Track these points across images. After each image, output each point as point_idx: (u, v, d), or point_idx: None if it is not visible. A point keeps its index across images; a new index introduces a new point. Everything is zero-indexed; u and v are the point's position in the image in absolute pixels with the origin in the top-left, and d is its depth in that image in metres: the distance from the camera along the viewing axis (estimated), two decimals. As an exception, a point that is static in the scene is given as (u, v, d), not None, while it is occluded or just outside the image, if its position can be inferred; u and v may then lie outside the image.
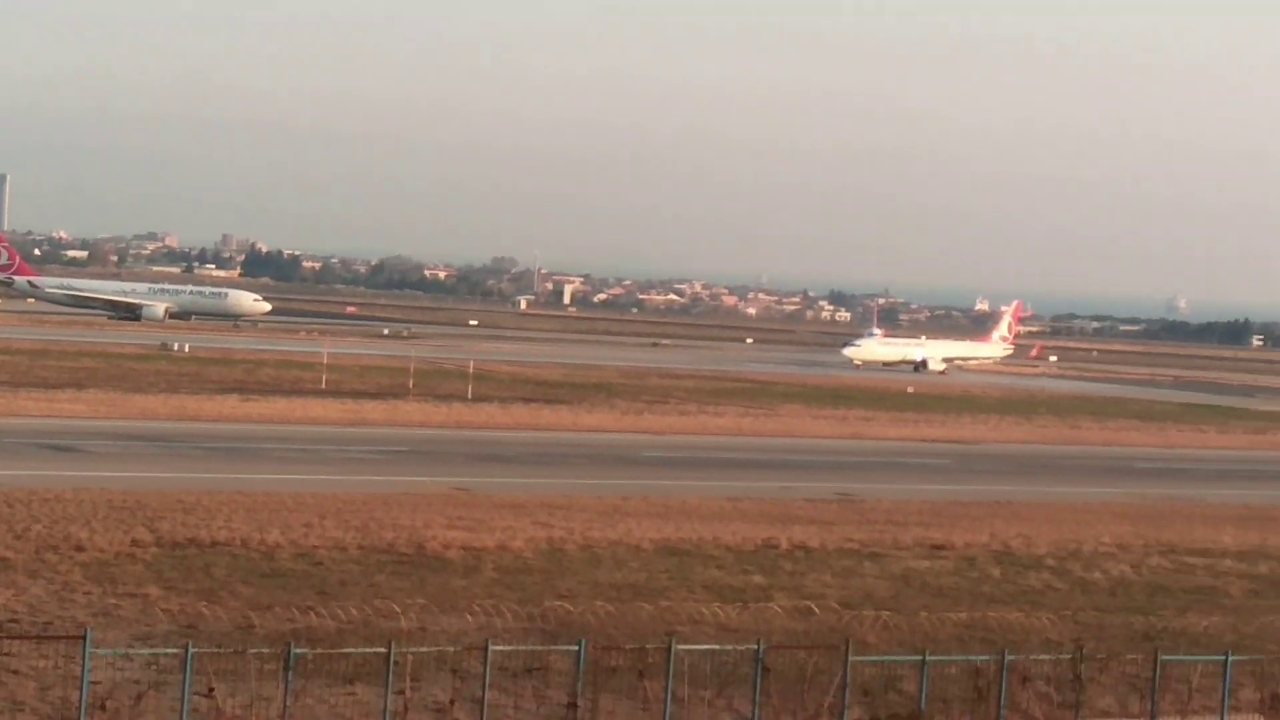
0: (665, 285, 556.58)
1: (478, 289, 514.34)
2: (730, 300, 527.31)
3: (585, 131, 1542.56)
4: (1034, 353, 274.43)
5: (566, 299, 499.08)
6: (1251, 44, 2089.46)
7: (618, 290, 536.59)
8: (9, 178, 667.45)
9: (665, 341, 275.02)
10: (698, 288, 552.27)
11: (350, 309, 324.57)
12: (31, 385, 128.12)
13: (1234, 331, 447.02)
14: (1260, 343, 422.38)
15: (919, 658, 41.54)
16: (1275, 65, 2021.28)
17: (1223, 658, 44.21)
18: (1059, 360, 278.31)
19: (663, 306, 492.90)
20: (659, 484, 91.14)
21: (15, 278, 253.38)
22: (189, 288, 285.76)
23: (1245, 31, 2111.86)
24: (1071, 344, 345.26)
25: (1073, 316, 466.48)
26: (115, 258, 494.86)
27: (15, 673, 39.95)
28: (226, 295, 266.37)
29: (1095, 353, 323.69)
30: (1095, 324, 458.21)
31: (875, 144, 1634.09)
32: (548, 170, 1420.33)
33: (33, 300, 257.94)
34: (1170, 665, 43.43)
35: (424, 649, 42.28)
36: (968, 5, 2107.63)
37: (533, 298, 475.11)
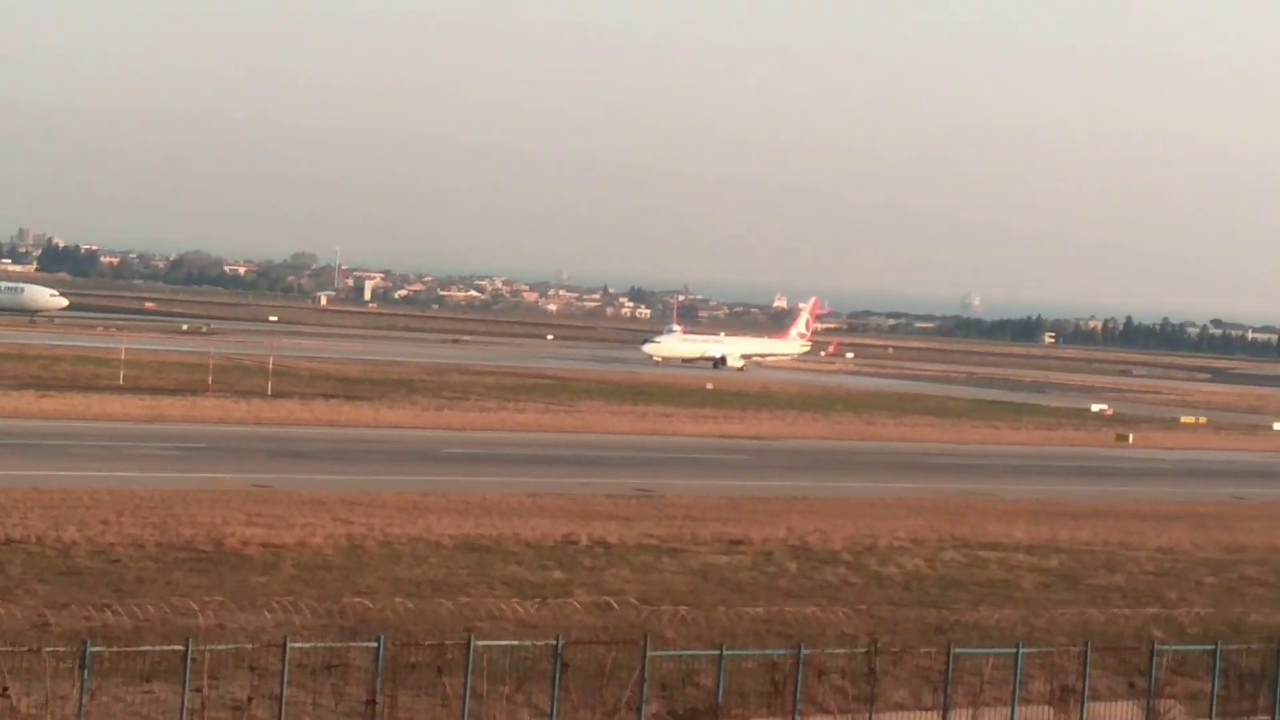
0: (466, 281, 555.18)
1: (278, 285, 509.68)
2: (531, 297, 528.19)
3: (381, 131, 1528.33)
4: (831, 350, 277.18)
5: (367, 295, 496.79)
6: (1032, 62, 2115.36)
7: (418, 286, 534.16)
8: None
9: (466, 338, 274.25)
10: (499, 284, 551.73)
11: (148, 305, 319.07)
12: None
13: (1027, 329, 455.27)
14: (1052, 340, 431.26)
15: (716, 652, 41.60)
16: (1055, 89, 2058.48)
17: (1014, 650, 44.68)
18: (855, 357, 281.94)
19: (464, 303, 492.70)
20: (459, 480, 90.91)
21: None
22: None
23: (1020, 40, 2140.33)
24: (868, 341, 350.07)
25: (869, 314, 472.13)
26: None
27: None
28: (22, 290, 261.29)
29: (891, 350, 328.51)
30: (891, 321, 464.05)
31: (669, 145, 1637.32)
32: (348, 166, 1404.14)
33: None
34: (962, 658, 43.83)
35: (222, 646, 41.43)
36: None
37: (333, 294, 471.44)
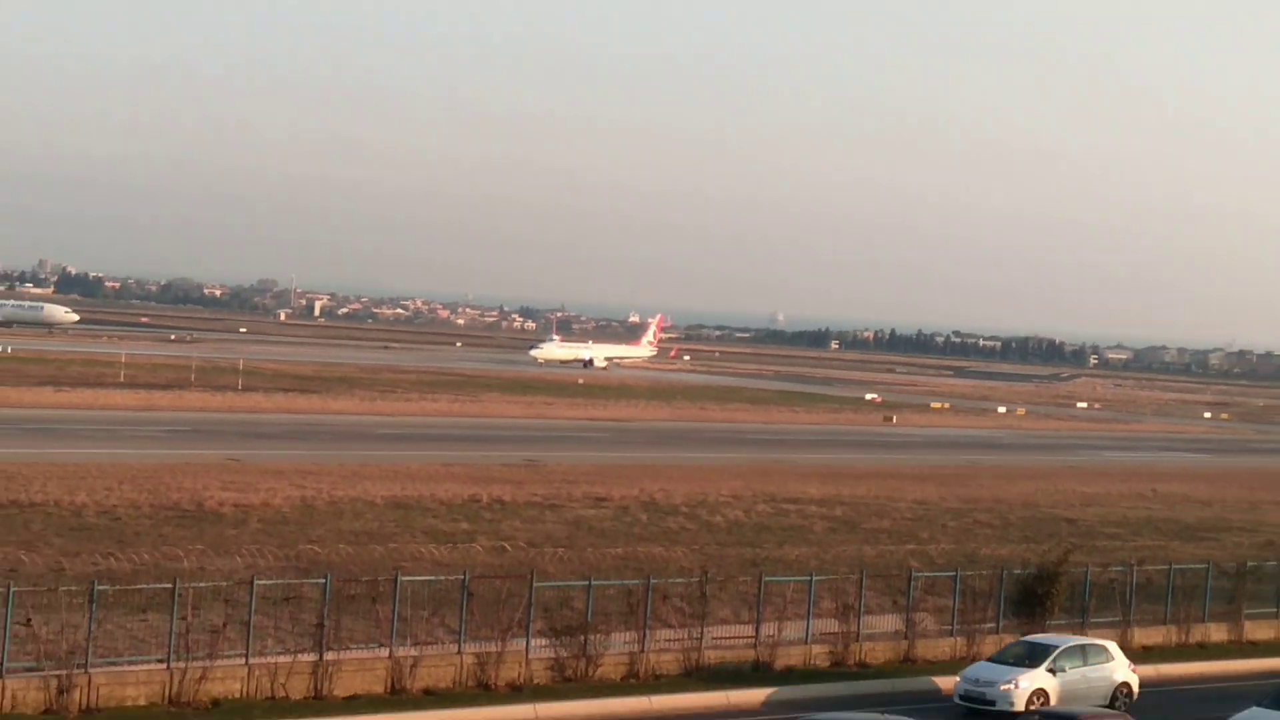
0: (394, 301, 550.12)
1: (246, 304, 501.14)
2: (444, 313, 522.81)
3: (324, 179, 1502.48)
4: (672, 354, 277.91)
5: (316, 312, 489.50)
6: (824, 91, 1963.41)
7: (357, 305, 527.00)
8: None
9: (394, 345, 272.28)
10: (419, 304, 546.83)
11: (144, 319, 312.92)
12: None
13: (818, 338, 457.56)
14: (836, 346, 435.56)
15: (586, 583, 42.04)
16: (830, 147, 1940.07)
17: (808, 578, 45.55)
18: (690, 359, 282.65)
19: (392, 318, 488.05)
20: (389, 454, 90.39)
21: None
22: (11, 303, 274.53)
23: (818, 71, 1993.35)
24: (699, 347, 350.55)
25: (701, 326, 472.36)
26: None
27: None
28: (42, 309, 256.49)
29: (717, 354, 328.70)
30: (717, 332, 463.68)
31: (548, 187, 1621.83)
32: (301, 206, 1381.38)
33: None
34: (770, 584, 44.47)
35: (203, 584, 41.42)
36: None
37: (290, 311, 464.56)
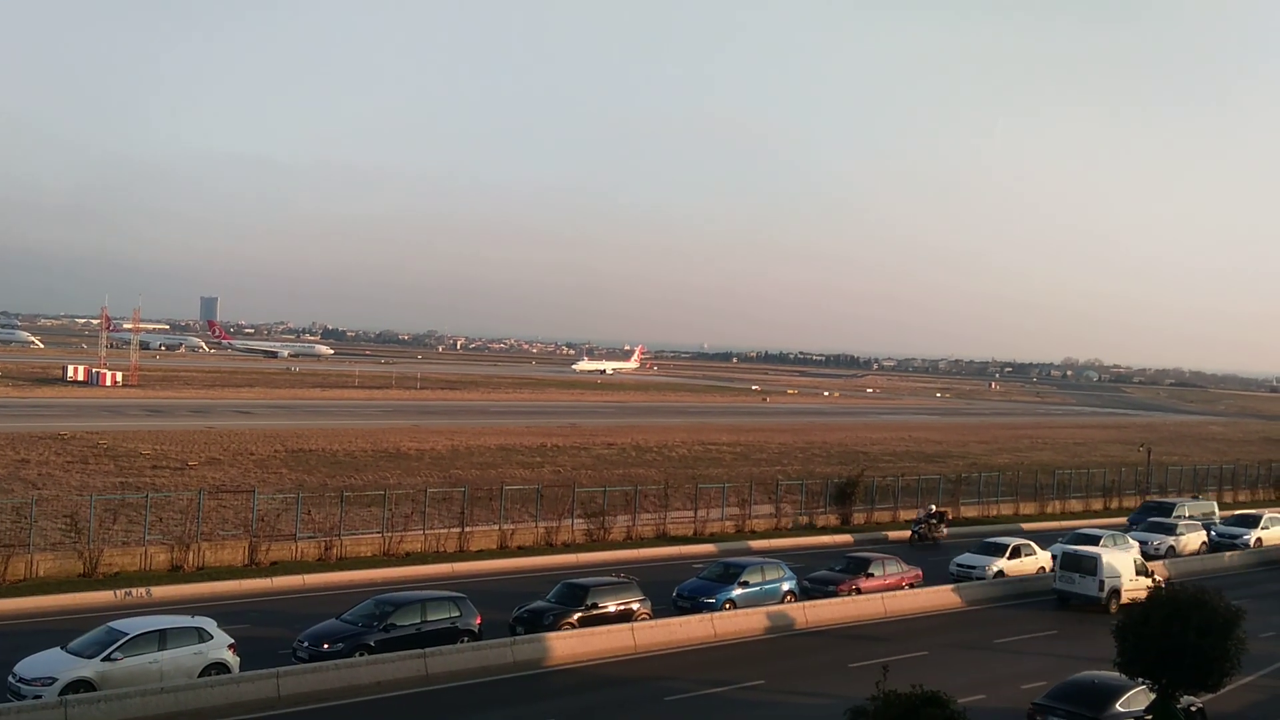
0: (498, 340, 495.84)
1: (421, 343, 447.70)
2: (525, 346, 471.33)
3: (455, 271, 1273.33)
4: (648, 366, 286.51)
5: (458, 347, 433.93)
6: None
7: (479, 342, 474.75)
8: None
9: (499, 363, 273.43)
10: (512, 341, 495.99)
11: (367, 352, 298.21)
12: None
13: (726, 356, 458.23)
14: (735, 360, 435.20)
15: (603, 489, 44.87)
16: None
17: (722, 485, 50.33)
18: (657, 369, 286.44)
19: (498, 349, 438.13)
20: (497, 422, 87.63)
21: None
22: (298, 344, 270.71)
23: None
24: (662, 362, 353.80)
25: (662, 351, 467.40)
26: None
27: (224, 506, 42.62)
28: (314, 347, 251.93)
29: (671, 365, 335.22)
30: (670, 353, 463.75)
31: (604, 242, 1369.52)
32: (451, 289, 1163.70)
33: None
34: (702, 489, 48.77)
35: (399, 491, 44.89)
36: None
37: (444, 346, 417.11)
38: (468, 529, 40.30)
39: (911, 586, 36.53)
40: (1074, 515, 58.00)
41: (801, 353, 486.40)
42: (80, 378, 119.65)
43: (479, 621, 27.31)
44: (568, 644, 26.89)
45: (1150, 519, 50.58)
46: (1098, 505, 61.92)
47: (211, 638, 23.49)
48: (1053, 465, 74.46)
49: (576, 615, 29.12)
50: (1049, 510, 58.86)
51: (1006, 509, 57.85)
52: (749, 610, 31.24)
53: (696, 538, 44.78)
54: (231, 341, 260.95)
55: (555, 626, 28.39)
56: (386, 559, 37.48)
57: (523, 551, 40.24)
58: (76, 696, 20.59)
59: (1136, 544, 43.68)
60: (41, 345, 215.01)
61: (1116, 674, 21.44)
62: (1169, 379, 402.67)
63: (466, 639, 26.70)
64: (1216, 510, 54.02)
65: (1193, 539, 48.24)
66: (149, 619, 23.90)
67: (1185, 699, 21.37)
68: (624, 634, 28.05)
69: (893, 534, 48.71)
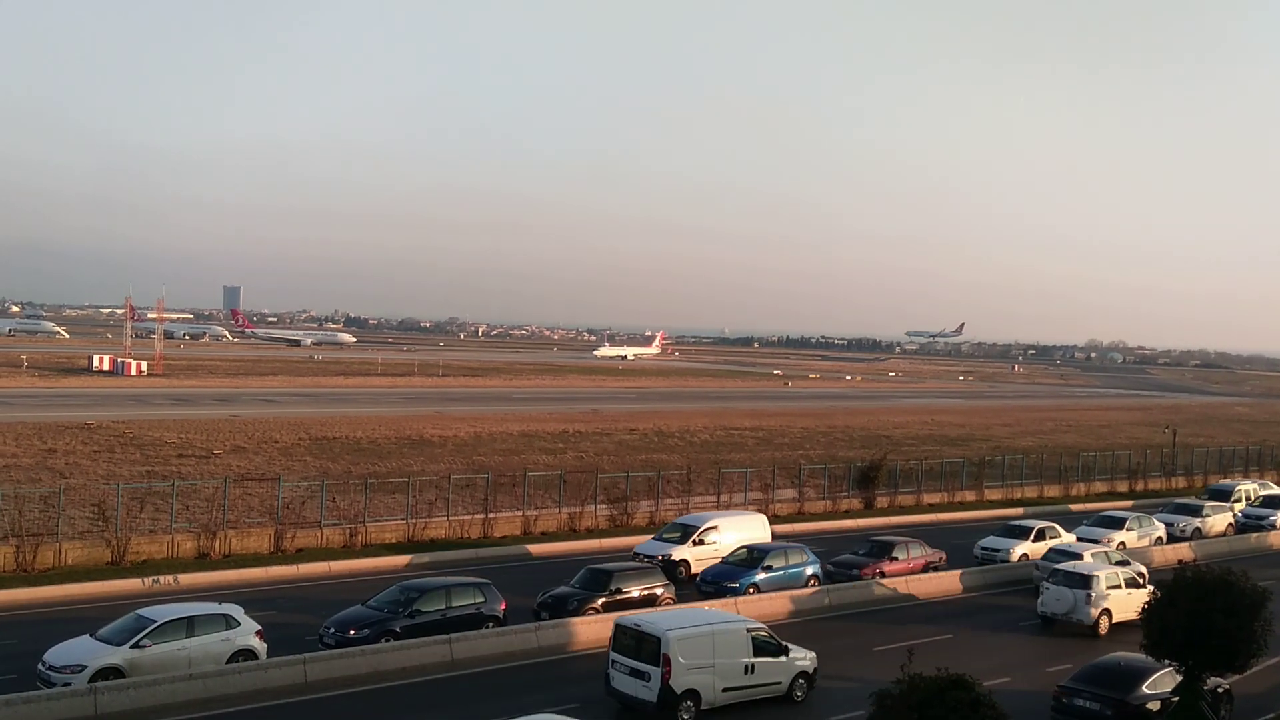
0: (520, 326, 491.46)
1: (443, 330, 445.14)
2: (547, 333, 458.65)
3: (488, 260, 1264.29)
4: (668, 351, 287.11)
5: (479, 334, 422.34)
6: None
7: (500, 329, 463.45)
8: None
9: (521, 350, 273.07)
10: (533, 327, 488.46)
11: (389, 340, 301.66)
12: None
13: (748, 340, 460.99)
14: (756, 345, 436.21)
15: (625, 474, 44.81)
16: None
17: (745, 470, 50.34)
18: (678, 354, 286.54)
19: (520, 335, 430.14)
20: (519, 408, 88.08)
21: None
22: (322, 333, 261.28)
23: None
24: (683, 347, 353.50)
25: (683, 336, 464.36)
26: None
27: (250, 494, 42.80)
28: (338, 335, 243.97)
29: (693, 351, 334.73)
30: (692, 339, 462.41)
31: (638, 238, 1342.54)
32: (475, 276, 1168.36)
33: None
34: (724, 473, 49.06)
35: (422, 477, 45.28)
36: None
37: (466, 333, 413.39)
38: (491, 515, 40.40)
39: (935, 569, 36.53)
40: (1099, 497, 57.96)
41: (823, 337, 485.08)
42: (106, 367, 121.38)
43: (504, 607, 27.51)
44: (592, 629, 27.03)
45: (1176, 501, 50.86)
46: (1123, 488, 61.67)
47: (239, 624, 23.67)
48: (1077, 448, 74.38)
49: (600, 600, 29.30)
50: (1074, 493, 58.72)
51: (1030, 491, 57.73)
52: (772, 594, 31.32)
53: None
54: (255, 330, 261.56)
55: (579, 612, 28.59)
56: (411, 545, 37.72)
57: (546, 536, 40.37)
58: (106, 683, 20.86)
59: (1162, 525, 43.86)
60: (67, 335, 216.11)
61: (1143, 656, 21.41)
62: (1194, 360, 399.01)
63: (491, 625, 26.91)
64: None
65: (1219, 521, 48.49)
66: (177, 606, 24.16)
67: (1212, 680, 21.26)
68: (648, 619, 28.15)
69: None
